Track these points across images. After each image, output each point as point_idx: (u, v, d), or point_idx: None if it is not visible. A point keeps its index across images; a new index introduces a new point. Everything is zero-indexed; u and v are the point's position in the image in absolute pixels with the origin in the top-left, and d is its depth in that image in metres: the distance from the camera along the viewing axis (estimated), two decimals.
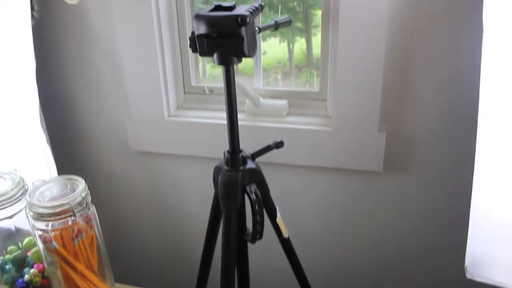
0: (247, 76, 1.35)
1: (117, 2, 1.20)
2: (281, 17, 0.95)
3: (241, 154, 0.90)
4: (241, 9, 0.80)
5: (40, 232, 0.70)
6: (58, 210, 0.67)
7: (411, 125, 1.15)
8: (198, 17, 0.79)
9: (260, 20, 1.24)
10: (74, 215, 0.68)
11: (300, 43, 1.32)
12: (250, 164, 0.92)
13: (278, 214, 1.00)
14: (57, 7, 1.28)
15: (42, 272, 0.82)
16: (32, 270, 0.81)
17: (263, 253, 1.41)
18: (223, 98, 0.88)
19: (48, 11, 1.29)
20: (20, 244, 0.83)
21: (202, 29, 0.79)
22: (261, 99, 1.25)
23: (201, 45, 0.81)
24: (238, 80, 1.17)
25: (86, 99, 1.39)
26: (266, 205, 0.97)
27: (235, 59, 0.82)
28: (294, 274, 1.11)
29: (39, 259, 0.82)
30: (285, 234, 1.03)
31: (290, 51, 1.35)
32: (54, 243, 0.70)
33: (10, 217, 0.76)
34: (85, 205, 0.70)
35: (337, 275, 1.43)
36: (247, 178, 0.91)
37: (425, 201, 1.23)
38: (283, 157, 1.23)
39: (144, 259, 1.63)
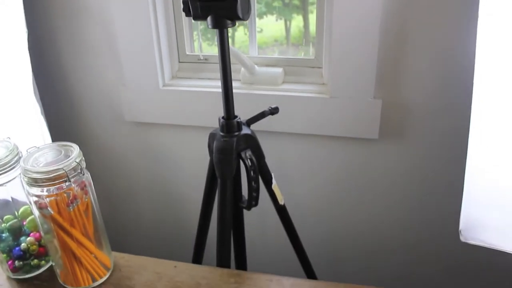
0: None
1: None
2: None
3: (236, 119, 0.90)
4: None
5: (35, 198, 0.70)
6: (52, 175, 0.67)
7: (407, 94, 1.15)
8: None
9: None
10: (69, 180, 0.68)
11: (297, 21, 1.30)
12: (245, 130, 0.92)
13: (274, 181, 1.00)
14: None
15: (38, 240, 0.82)
16: (28, 239, 0.81)
17: (259, 221, 1.42)
18: (218, 67, 0.87)
19: None
20: (16, 213, 0.83)
21: None
22: (256, 67, 1.24)
23: (195, 8, 0.80)
24: (233, 47, 1.16)
25: (79, 69, 1.38)
26: (261, 171, 0.97)
27: (229, 23, 0.81)
28: (290, 242, 1.12)
29: (35, 228, 0.82)
30: (281, 201, 1.04)
31: (287, 29, 1.33)
32: (49, 209, 0.70)
33: (5, 184, 0.76)
34: (79, 170, 0.70)
35: (332, 243, 1.44)
36: (242, 144, 0.91)
37: (420, 169, 1.23)
38: (279, 125, 1.23)
39: (140, 229, 1.64)
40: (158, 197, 1.54)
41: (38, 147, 0.74)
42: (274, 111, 0.95)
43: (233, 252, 1.10)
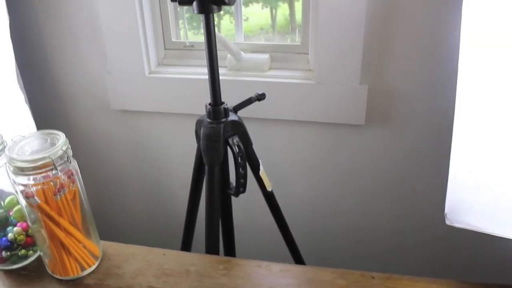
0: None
1: None
2: None
3: (223, 106, 0.90)
4: None
5: (21, 188, 0.69)
6: (39, 163, 0.66)
7: (393, 79, 1.15)
8: None
9: None
10: (56, 168, 0.67)
11: (282, 9, 1.30)
12: (232, 117, 0.92)
13: (261, 167, 1.01)
14: None
15: (26, 230, 0.81)
16: (15, 229, 0.81)
17: (247, 208, 1.43)
18: (204, 54, 0.86)
19: None
20: (2, 203, 0.82)
21: None
22: (242, 53, 1.24)
23: None
24: (219, 33, 1.15)
25: (64, 57, 1.36)
26: (249, 158, 0.98)
27: (214, 7, 0.80)
28: (278, 228, 1.13)
29: (22, 218, 0.81)
30: (269, 188, 1.04)
31: (273, 17, 1.32)
32: (36, 198, 0.69)
33: None
34: (66, 158, 0.69)
35: (320, 229, 1.45)
36: (229, 131, 0.91)
37: (407, 154, 1.24)
38: (266, 112, 1.23)
39: (128, 218, 1.63)
40: (146, 185, 1.53)
41: (24, 136, 0.73)
42: (261, 97, 0.95)
43: (221, 239, 1.11)
